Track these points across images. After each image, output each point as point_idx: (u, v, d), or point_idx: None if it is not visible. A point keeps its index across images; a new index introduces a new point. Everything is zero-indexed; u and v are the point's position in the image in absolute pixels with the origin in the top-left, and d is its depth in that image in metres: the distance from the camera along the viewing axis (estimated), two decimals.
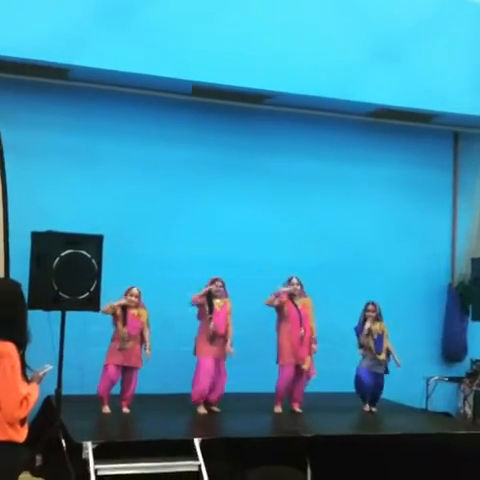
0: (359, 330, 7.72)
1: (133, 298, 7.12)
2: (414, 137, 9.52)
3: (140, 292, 7.17)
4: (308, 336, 7.42)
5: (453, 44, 8.80)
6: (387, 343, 7.71)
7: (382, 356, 7.65)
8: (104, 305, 6.84)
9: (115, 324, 7.09)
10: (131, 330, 7.05)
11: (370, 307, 7.72)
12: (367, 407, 7.69)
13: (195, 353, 7.27)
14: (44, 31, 7.32)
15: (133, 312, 7.09)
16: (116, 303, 7.02)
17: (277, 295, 7.41)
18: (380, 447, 6.42)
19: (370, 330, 7.64)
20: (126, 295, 7.12)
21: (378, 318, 7.73)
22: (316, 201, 9.02)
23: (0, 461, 3.61)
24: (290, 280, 7.52)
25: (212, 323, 7.19)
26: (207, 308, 7.25)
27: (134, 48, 7.69)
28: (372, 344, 7.63)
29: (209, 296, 7.29)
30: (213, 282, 7.32)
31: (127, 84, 8.16)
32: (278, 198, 8.87)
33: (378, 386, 7.74)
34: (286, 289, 7.44)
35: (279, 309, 7.46)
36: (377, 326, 7.70)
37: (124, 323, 7.03)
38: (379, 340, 7.68)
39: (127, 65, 7.68)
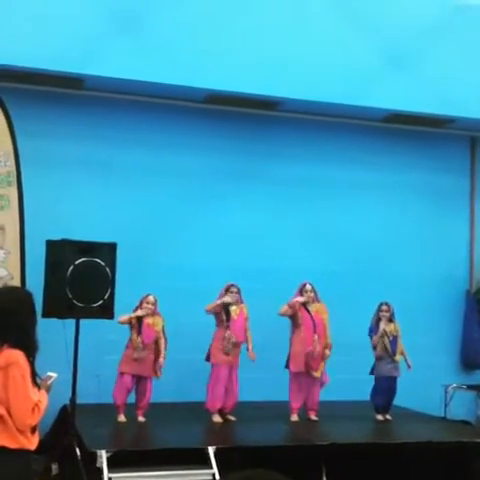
0: (373, 331, 7.65)
1: (150, 306, 7.11)
2: (430, 142, 9.45)
3: (156, 300, 7.16)
4: (322, 342, 7.37)
5: (467, 48, 8.73)
6: (401, 344, 7.63)
7: (397, 357, 7.58)
8: (121, 315, 6.88)
9: (131, 332, 7.08)
10: (146, 339, 7.04)
11: (384, 307, 7.65)
12: (381, 416, 7.60)
13: (209, 360, 7.23)
14: (59, 41, 7.37)
15: (148, 321, 7.08)
16: (134, 314, 7.02)
17: (291, 306, 7.37)
18: (398, 455, 6.36)
19: (385, 331, 7.58)
20: (142, 303, 7.12)
21: (391, 319, 7.67)
22: (330, 207, 8.98)
23: (12, 469, 3.61)
24: (304, 286, 7.48)
25: (228, 331, 7.16)
26: (224, 316, 7.21)
27: (148, 57, 7.72)
28: (388, 345, 7.56)
29: (225, 306, 7.26)
30: (228, 289, 7.30)
31: (141, 93, 8.20)
32: (292, 205, 8.84)
33: (393, 391, 7.66)
34: (299, 299, 7.39)
35: (293, 316, 7.42)
36: (392, 327, 7.64)
37: (139, 332, 7.03)
38: (394, 341, 7.61)
39: (141, 74, 7.72)
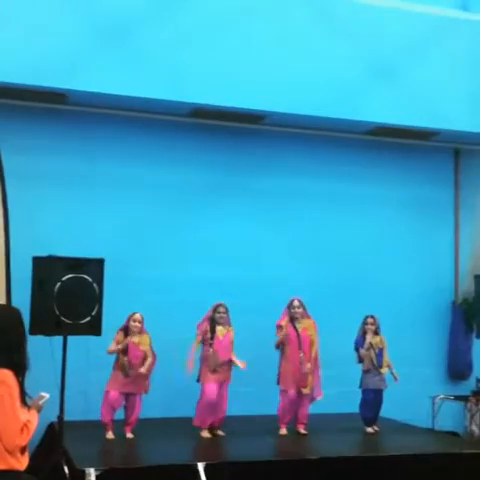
0: (359, 344, 7.66)
1: (137, 324, 7.06)
2: (414, 155, 9.52)
3: (143, 317, 7.12)
4: (308, 358, 7.35)
5: (451, 62, 8.82)
6: (386, 357, 7.64)
7: (383, 370, 7.59)
8: (109, 346, 6.93)
9: (117, 353, 7.04)
10: (133, 359, 6.99)
11: (369, 320, 7.67)
12: (370, 429, 7.60)
13: (198, 380, 7.21)
14: (42, 56, 7.34)
15: (134, 340, 7.03)
16: (120, 346, 6.97)
17: (278, 334, 7.37)
18: (387, 468, 6.35)
19: (371, 344, 7.59)
20: (129, 321, 7.07)
21: (377, 332, 7.68)
22: (316, 220, 9.01)
23: None
24: (291, 302, 7.48)
25: (211, 350, 7.14)
26: (209, 335, 7.20)
27: (132, 71, 7.71)
28: (374, 358, 7.57)
29: (212, 322, 7.24)
30: (216, 308, 7.27)
31: (125, 107, 8.16)
32: (277, 218, 8.86)
33: (380, 404, 7.68)
34: (281, 323, 7.39)
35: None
36: (377, 340, 7.65)
37: (125, 353, 6.98)
38: (380, 354, 7.63)
39: (125, 88, 7.70)
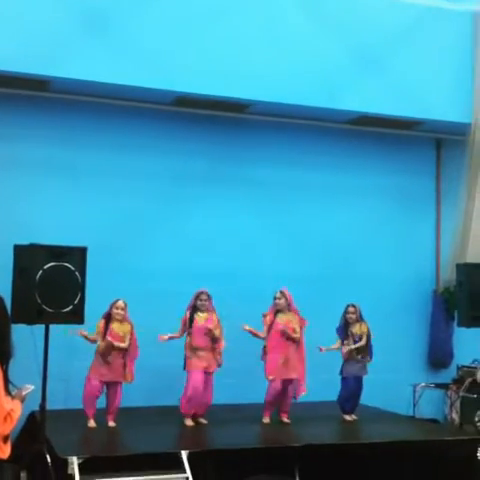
0: (340, 333, 7.69)
1: (119, 311, 7.05)
2: (397, 144, 9.56)
3: (126, 305, 7.10)
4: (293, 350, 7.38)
5: (435, 52, 8.86)
6: (364, 342, 7.68)
7: (367, 358, 7.63)
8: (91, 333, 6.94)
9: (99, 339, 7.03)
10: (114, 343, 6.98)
11: (350, 309, 7.71)
12: (348, 417, 7.65)
13: (185, 368, 7.21)
14: (24, 42, 7.27)
15: (115, 326, 7.03)
16: (94, 335, 7.00)
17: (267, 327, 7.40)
18: (368, 455, 6.39)
19: (351, 332, 7.63)
20: (111, 308, 7.06)
21: (359, 319, 7.72)
22: (299, 210, 9.02)
23: None
24: (275, 294, 7.47)
25: (190, 338, 7.16)
26: (188, 322, 7.21)
27: (116, 59, 7.65)
28: (352, 346, 7.61)
29: (193, 310, 7.24)
30: (198, 296, 7.27)
31: (109, 95, 8.12)
32: (262, 208, 8.87)
33: (360, 391, 7.72)
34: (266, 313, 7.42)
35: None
36: (357, 327, 7.69)
37: (103, 337, 6.97)
38: (359, 341, 7.66)
39: (109, 76, 7.64)
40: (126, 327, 7.09)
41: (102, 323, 7.03)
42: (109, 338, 6.93)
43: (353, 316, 7.69)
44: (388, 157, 9.49)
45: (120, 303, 7.07)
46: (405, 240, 9.50)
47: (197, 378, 7.12)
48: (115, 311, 7.04)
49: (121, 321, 7.07)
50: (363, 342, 7.63)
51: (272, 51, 8.15)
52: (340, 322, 7.77)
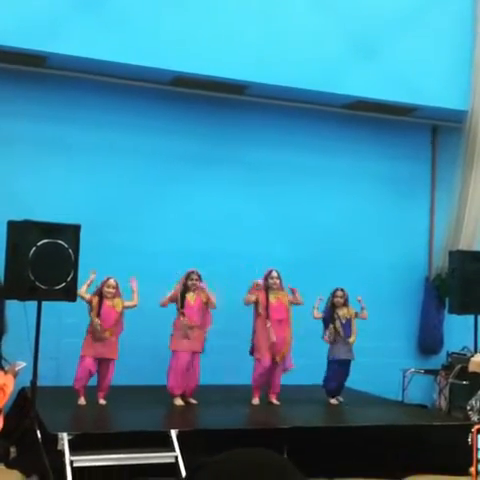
0: (327, 316, 7.71)
1: (111, 289, 7.05)
2: (392, 130, 9.56)
3: (117, 283, 7.10)
4: (284, 329, 7.40)
5: (432, 38, 8.85)
6: (354, 326, 7.72)
7: (352, 339, 7.67)
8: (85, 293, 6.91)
9: (90, 315, 7.02)
10: (106, 321, 6.99)
11: (338, 293, 7.73)
12: (334, 400, 7.69)
13: (170, 347, 7.23)
14: (21, 16, 7.22)
15: (108, 303, 7.03)
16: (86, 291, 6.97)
17: (252, 292, 7.38)
18: (357, 438, 6.44)
19: (337, 315, 7.66)
20: (102, 286, 7.06)
21: (346, 303, 7.75)
22: (293, 193, 9.03)
23: None
24: (270, 273, 7.50)
25: (182, 318, 7.17)
26: (179, 304, 7.21)
27: (113, 36, 7.61)
28: (340, 329, 7.64)
29: (184, 289, 7.25)
30: (188, 276, 7.27)
31: (105, 73, 8.08)
32: (255, 189, 8.87)
33: (346, 374, 7.76)
34: (259, 281, 7.40)
35: (255, 304, 7.45)
36: (345, 311, 7.72)
37: (98, 314, 6.97)
38: (347, 325, 7.70)
39: (106, 53, 7.61)
40: (119, 303, 7.09)
41: (95, 300, 7.02)
42: (97, 320, 6.92)
43: (341, 300, 7.72)
44: (384, 143, 9.49)
45: (111, 281, 7.07)
46: (398, 226, 9.52)
47: (183, 358, 7.14)
48: (106, 290, 7.04)
49: (112, 299, 7.06)
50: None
51: (271, 33, 8.12)
52: (325, 305, 7.78)
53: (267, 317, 7.37)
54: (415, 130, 9.71)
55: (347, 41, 8.53)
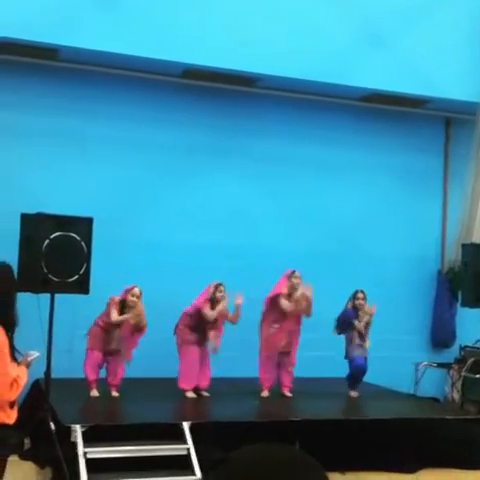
0: (351, 317, 7.65)
1: (134, 299, 6.98)
2: (406, 122, 9.51)
3: (141, 293, 7.02)
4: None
5: (446, 30, 8.78)
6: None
7: (368, 344, 7.66)
8: (114, 317, 6.91)
9: (108, 309, 7.01)
10: (123, 331, 7.01)
11: (360, 295, 7.67)
12: (354, 393, 7.69)
13: (178, 343, 7.24)
14: (34, 9, 7.23)
15: (131, 321, 6.99)
16: (124, 317, 6.95)
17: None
18: (369, 431, 6.43)
19: (360, 318, 7.62)
20: (126, 294, 6.99)
21: (365, 304, 7.71)
22: (307, 185, 9.00)
23: None
24: (293, 273, 7.42)
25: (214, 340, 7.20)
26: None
27: (125, 29, 7.63)
28: (363, 331, 7.62)
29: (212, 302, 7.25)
30: (216, 288, 7.22)
31: (118, 65, 8.10)
32: (269, 182, 8.85)
33: (364, 370, 7.74)
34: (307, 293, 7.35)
35: (272, 302, 7.42)
36: (366, 315, 7.68)
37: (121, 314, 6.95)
38: (366, 327, 7.68)
39: (118, 46, 7.63)
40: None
41: (117, 309, 6.96)
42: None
43: (362, 302, 7.65)
44: (396, 135, 9.44)
45: (136, 290, 6.99)
46: (411, 219, 9.49)
47: (193, 353, 7.16)
48: (130, 298, 6.97)
49: (134, 308, 7.00)
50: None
51: (283, 25, 8.09)
52: (346, 305, 7.71)
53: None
54: (428, 123, 9.65)
55: (360, 33, 8.49)
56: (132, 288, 7.01)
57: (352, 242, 9.07)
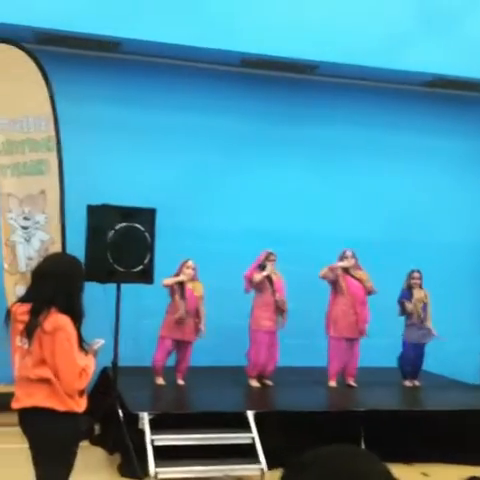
0: (405, 297, 7.56)
1: (190, 271, 7.11)
2: (470, 107, 9.28)
3: (196, 265, 7.16)
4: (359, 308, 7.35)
5: None
6: (429, 312, 7.57)
7: (428, 324, 7.52)
8: (165, 279, 6.92)
9: (172, 297, 7.10)
10: (188, 305, 7.06)
11: (416, 274, 7.58)
12: (408, 382, 7.58)
13: (250, 326, 7.26)
14: (95, 4, 7.33)
15: (189, 286, 7.10)
16: (178, 278, 7.03)
17: (332, 269, 7.33)
18: (435, 422, 6.35)
19: (418, 298, 7.52)
20: (182, 268, 7.12)
21: (421, 286, 7.60)
22: (369, 172, 8.90)
23: (61, 431, 3.67)
24: (344, 253, 7.43)
25: (277, 294, 7.16)
26: (267, 282, 7.19)
27: (184, 20, 7.67)
28: (421, 312, 7.50)
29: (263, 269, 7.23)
30: (267, 257, 7.25)
31: (177, 56, 8.16)
32: (329, 169, 8.79)
33: (420, 358, 7.60)
34: (341, 264, 7.34)
35: (333, 283, 7.39)
36: (422, 294, 7.57)
37: (182, 296, 7.03)
38: (424, 308, 7.55)
39: (177, 37, 7.67)
40: (199, 287, 7.15)
41: (178, 282, 7.06)
42: (183, 309, 6.98)
43: (418, 281, 7.57)
44: (462, 119, 9.23)
45: (190, 263, 7.12)
46: (474, 205, 9.26)
47: (263, 338, 7.16)
48: (186, 270, 7.08)
49: (192, 280, 7.12)
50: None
51: (341, 11, 8.00)
52: (403, 286, 7.63)
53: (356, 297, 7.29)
54: None
55: (419, 17, 8.33)
56: (186, 261, 7.11)
57: (415, 228, 8.93)
